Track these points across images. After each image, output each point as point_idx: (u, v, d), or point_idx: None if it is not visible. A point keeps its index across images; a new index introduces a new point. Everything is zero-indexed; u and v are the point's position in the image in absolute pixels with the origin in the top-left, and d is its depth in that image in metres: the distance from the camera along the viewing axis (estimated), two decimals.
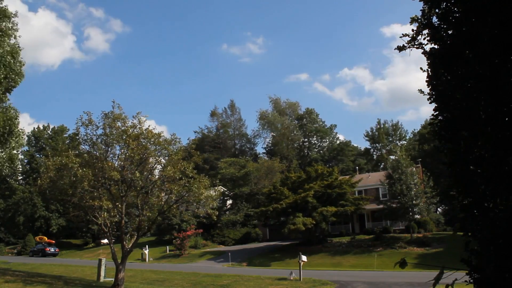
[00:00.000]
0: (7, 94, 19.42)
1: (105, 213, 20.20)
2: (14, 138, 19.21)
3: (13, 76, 18.64)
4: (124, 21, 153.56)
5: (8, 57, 18.13)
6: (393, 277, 23.05)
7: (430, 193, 41.36)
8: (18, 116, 19.31)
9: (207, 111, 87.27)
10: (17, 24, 19.29)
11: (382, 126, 76.63)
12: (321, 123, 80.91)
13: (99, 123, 20.67)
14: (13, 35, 19.10)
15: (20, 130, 19.79)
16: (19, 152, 20.88)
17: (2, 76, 17.96)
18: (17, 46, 19.26)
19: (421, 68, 4.36)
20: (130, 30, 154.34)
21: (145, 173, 21.25)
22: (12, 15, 19.03)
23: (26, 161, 71.29)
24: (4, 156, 19.57)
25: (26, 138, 71.74)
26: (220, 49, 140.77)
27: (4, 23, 18.60)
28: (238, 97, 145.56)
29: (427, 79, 4.23)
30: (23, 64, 19.64)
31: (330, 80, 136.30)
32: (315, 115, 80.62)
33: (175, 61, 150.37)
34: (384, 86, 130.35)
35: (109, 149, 21.16)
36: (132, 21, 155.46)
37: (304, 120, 79.33)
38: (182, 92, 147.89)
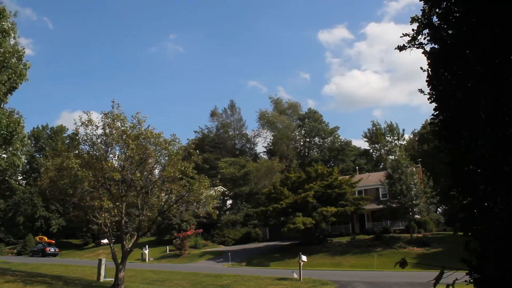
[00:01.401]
0: (9, 95, 19.38)
1: (105, 213, 20.20)
2: (18, 142, 19.19)
3: (15, 77, 18.60)
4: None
5: (13, 59, 18.09)
6: (393, 277, 23.04)
7: (430, 193, 41.38)
8: (21, 120, 19.29)
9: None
10: (16, 24, 19.20)
11: (377, 127, 76.50)
12: (324, 124, 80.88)
13: (98, 123, 20.68)
14: (13, 36, 19.00)
15: (24, 133, 19.77)
16: (22, 155, 20.77)
17: (5, 77, 17.93)
18: (20, 47, 19.15)
19: (421, 68, 4.36)
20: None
21: (145, 173, 21.25)
22: (11, 14, 18.92)
23: (26, 161, 71.29)
24: (7, 160, 19.54)
25: (30, 141, 71.86)
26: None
27: (5, 23, 18.51)
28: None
29: (427, 79, 4.24)
30: (28, 67, 19.57)
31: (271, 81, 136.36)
32: (318, 115, 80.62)
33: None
34: (332, 90, 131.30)
35: (109, 149, 21.16)
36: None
37: (306, 120, 79.33)
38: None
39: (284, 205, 40.74)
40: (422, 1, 4.26)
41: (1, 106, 18.95)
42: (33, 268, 31.02)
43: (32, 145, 72.66)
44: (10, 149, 19.39)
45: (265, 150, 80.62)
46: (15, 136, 18.80)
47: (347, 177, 47.59)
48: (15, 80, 18.67)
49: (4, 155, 19.60)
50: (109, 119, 20.49)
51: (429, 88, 4.25)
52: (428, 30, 4.28)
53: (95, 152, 21.15)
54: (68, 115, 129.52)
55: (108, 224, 21.03)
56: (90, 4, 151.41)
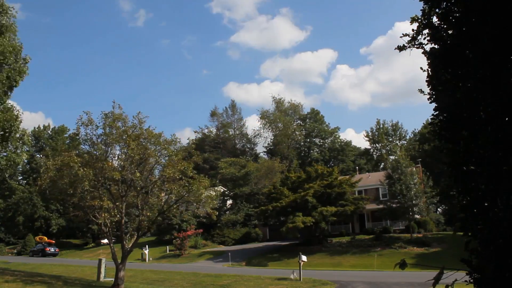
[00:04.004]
0: (9, 93, 19.33)
1: (105, 213, 20.18)
2: (17, 139, 19.11)
3: (15, 75, 18.54)
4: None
5: (12, 57, 18.05)
6: (393, 277, 23.04)
7: (430, 193, 41.37)
8: (19, 116, 19.21)
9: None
10: (15, 23, 19.16)
11: (381, 126, 76.60)
12: (325, 124, 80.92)
13: (99, 123, 20.68)
14: (13, 30, 18.92)
15: (24, 130, 19.69)
16: (23, 154, 20.65)
17: (4, 75, 17.90)
18: (18, 43, 19.09)
19: (421, 68, 4.35)
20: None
21: (145, 173, 21.24)
22: (10, 8, 18.85)
23: (26, 161, 71.27)
24: (6, 159, 19.46)
25: (31, 138, 71.77)
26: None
27: (3, 18, 18.40)
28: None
29: (427, 79, 4.23)
30: (28, 61, 19.47)
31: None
32: (319, 116, 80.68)
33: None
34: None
35: (109, 149, 21.16)
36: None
37: (308, 120, 79.40)
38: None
39: (283, 203, 40.72)
40: (422, 1, 4.26)
41: (1, 104, 18.88)
42: (33, 268, 31.01)
43: (32, 145, 72.72)
44: (9, 147, 19.30)
45: (265, 150, 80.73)
46: (13, 133, 18.71)
47: (347, 177, 47.57)
48: (15, 77, 18.61)
49: (3, 154, 19.51)
50: (109, 119, 20.50)
51: (429, 88, 4.25)
52: (428, 30, 4.28)
53: (95, 152, 21.16)
54: None
55: (108, 224, 21.01)
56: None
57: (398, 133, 76.52)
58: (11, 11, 18.87)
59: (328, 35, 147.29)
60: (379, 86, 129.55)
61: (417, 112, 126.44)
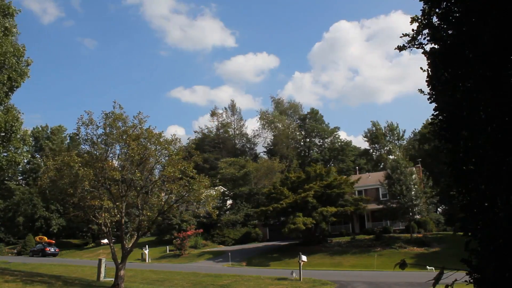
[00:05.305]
0: (10, 94, 19.37)
1: (105, 213, 20.19)
2: (18, 139, 19.14)
3: (16, 76, 18.58)
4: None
5: (13, 58, 18.07)
6: (393, 277, 23.04)
7: (430, 193, 41.37)
8: (19, 117, 19.25)
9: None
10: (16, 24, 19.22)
11: (378, 127, 76.53)
12: (324, 124, 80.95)
13: (99, 123, 20.69)
14: (14, 33, 19.01)
15: (25, 131, 19.72)
16: (23, 154, 20.64)
17: (5, 77, 17.93)
18: (20, 44, 19.17)
19: (421, 68, 4.35)
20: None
21: (145, 173, 21.24)
22: (16, 11, 18.89)
23: (26, 161, 71.31)
24: (7, 159, 19.47)
25: (32, 139, 71.88)
26: None
27: (7, 21, 18.46)
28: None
29: (427, 79, 4.23)
30: (29, 63, 19.55)
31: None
32: (319, 116, 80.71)
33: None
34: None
35: (109, 149, 21.17)
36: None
37: (307, 120, 79.45)
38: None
39: (284, 205, 40.75)
40: (422, 1, 4.26)
41: (2, 105, 18.92)
42: (32, 268, 30.99)
43: (32, 145, 72.75)
44: (11, 148, 19.33)
45: (265, 150, 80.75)
46: (14, 134, 18.73)
47: (346, 177, 47.55)
48: (16, 79, 18.66)
49: (4, 154, 19.52)
50: (110, 119, 20.51)
51: (429, 88, 4.25)
52: (428, 30, 4.28)
53: (95, 152, 21.16)
54: None
55: (108, 224, 21.01)
56: None
57: (395, 133, 76.48)
58: (17, 13, 18.92)
59: (269, 39, 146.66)
60: (325, 89, 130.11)
61: (411, 113, 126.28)
